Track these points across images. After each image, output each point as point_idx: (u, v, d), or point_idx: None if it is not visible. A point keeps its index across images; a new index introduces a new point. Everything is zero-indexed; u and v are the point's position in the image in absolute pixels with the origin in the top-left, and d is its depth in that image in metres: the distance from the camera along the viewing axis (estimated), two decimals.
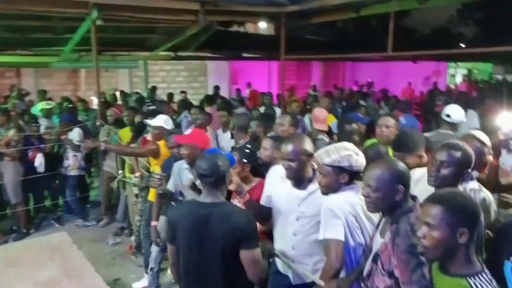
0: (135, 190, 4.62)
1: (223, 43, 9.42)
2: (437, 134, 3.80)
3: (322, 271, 2.27)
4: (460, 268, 1.55)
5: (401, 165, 1.97)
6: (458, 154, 2.13)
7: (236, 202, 2.72)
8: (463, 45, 16.93)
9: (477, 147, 2.52)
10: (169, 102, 8.70)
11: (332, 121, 5.10)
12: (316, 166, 2.42)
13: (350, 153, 2.29)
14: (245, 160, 2.98)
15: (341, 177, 2.29)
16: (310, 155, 2.49)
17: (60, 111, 7.33)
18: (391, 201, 1.88)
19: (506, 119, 2.82)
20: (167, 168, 3.56)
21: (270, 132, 3.94)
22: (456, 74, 19.39)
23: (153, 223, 3.64)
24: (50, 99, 8.56)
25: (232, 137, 4.98)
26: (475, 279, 1.51)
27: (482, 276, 1.51)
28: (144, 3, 5.50)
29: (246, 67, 13.44)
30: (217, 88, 10.86)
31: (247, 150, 3.05)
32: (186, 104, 7.62)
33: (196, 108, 5.86)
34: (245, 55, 11.37)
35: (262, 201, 2.75)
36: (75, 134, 5.68)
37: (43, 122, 6.26)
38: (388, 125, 3.42)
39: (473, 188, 2.24)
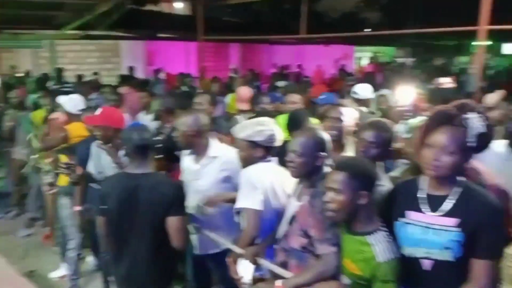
0: (48, 178, 4.35)
1: (137, 22, 9.09)
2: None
3: (240, 238, 2.38)
4: (361, 227, 1.78)
5: (323, 134, 2.14)
6: (384, 134, 2.21)
7: None
8: (369, 30, 18.07)
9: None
10: (79, 84, 8.22)
11: None
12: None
13: (263, 128, 2.41)
14: (160, 156, 3.10)
15: (256, 151, 2.41)
16: (199, 130, 2.67)
17: None
18: (312, 166, 2.04)
19: (404, 93, 3.15)
20: (82, 150, 3.42)
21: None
22: (362, 57, 20.73)
23: (76, 208, 3.50)
24: None
25: (156, 119, 4.87)
26: (374, 236, 1.74)
27: (379, 233, 1.75)
28: None
29: (162, 48, 13.07)
30: (131, 69, 10.46)
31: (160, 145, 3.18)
32: (97, 85, 7.26)
33: (107, 88, 5.60)
34: (161, 35, 11.06)
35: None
36: None
37: None
38: (293, 101, 3.74)
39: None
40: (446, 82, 5.02)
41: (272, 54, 17.17)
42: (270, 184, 2.35)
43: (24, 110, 5.26)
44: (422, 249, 1.71)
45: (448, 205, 1.67)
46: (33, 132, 4.79)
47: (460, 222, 1.63)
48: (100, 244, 3.22)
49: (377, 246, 1.72)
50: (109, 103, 4.89)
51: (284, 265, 2.17)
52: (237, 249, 2.34)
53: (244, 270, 2.28)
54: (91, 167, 3.29)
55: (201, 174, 2.77)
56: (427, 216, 1.70)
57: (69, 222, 3.74)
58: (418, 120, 2.99)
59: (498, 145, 2.78)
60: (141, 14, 9.30)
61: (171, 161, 3.25)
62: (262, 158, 2.43)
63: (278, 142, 2.43)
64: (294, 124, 3.00)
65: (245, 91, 4.60)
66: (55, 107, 4.51)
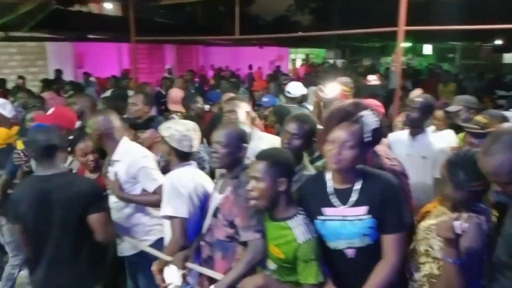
0: None
1: (64, 23, 8.67)
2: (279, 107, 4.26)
3: (168, 247, 2.38)
4: (282, 213, 1.89)
5: (245, 127, 2.25)
6: (306, 126, 2.31)
7: None
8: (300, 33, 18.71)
9: None
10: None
11: None
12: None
13: (175, 133, 2.39)
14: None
15: (173, 155, 2.44)
16: (106, 131, 2.68)
17: None
18: (235, 157, 2.13)
19: (331, 88, 3.36)
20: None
21: (123, 113, 3.89)
22: (296, 59, 21.42)
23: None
24: None
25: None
26: (293, 220, 1.86)
27: (298, 217, 1.87)
28: None
29: (93, 50, 12.54)
30: (59, 72, 9.95)
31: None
32: (18, 90, 6.83)
33: (24, 92, 5.28)
34: (91, 36, 10.62)
35: None
36: None
37: None
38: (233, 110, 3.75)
39: None
40: (373, 79, 5.44)
41: (208, 56, 17.18)
42: (193, 187, 2.36)
43: None
44: (344, 241, 1.84)
45: (354, 196, 1.82)
46: None
47: (369, 209, 1.79)
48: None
49: (297, 228, 1.83)
50: (30, 110, 4.64)
51: (209, 259, 2.22)
52: (165, 257, 2.32)
53: (173, 276, 2.26)
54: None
55: (111, 175, 2.74)
56: (340, 210, 1.83)
57: (8, 239, 3.52)
58: None
59: (402, 134, 3.13)
60: (69, 14, 8.86)
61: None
62: (182, 161, 2.44)
63: (192, 149, 2.44)
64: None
65: (176, 93, 4.63)
66: None
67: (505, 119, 2.58)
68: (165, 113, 5.32)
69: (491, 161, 1.53)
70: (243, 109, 2.98)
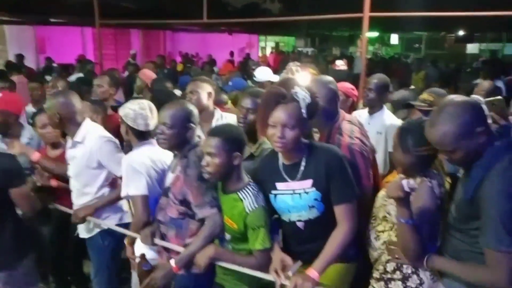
0: None
1: (25, 5, 8.28)
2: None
3: (132, 225, 2.42)
4: (234, 185, 1.99)
5: (191, 106, 2.24)
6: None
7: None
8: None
9: None
10: None
11: None
12: None
13: (130, 112, 2.40)
14: None
15: (131, 134, 2.45)
16: (68, 111, 2.63)
17: None
18: (182, 138, 2.14)
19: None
20: None
21: (88, 97, 3.80)
22: (266, 47, 21.37)
23: None
24: None
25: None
26: (243, 191, 1.96)
27: (247, 188, 1.97)
28: None
29: (56, 34, 12.10)
30: (20, 57, 9.55)
31: None
32: None
33: None
34: (53, 20, 10.23)
35: None
36: None
37: None
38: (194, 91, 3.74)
39: None
40: (341, 64, 5.61)
41: (176, 42, 16.92)
42: (151, 165, 2.38)
43: None
44: (295, 214, 1.95)
45: (301, 170, 1.91)
46: None
47: (313, 182, 1.88)
48: None
49: (246, 199, 1.93)
50: None
51: (163, 237, 2.25)
52: (132, 234, 2.36)
53: (141, 250, 2.30)
54: None
55: (71, 158, 2.71)
56: (290, 184, 1.93)
57: None
58: None
59: (363, 112, 3.37)
60: None
61: None
62: (141, 140, 2.45)
63: (151, 126, 2.44)
64: None
65: (148, 73, 4.58)
66: None
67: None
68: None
69: (436, 131, 1.61)
70: (205, 90, 2.95)
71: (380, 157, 2.97)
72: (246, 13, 5.35)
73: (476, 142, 1.58)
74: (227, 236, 2.06)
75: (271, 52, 18.79)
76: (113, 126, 3.12)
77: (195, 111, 2.22)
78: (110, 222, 2.70)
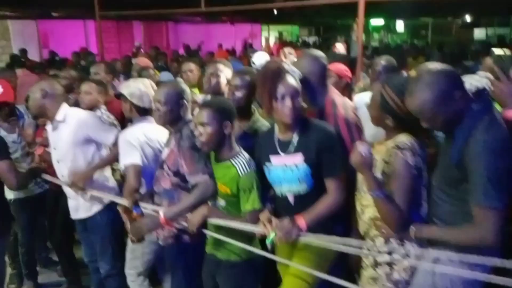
0: None
1: (27, 0, 8.33)
2: None
3: (124, 192, 2.51)
4: (226, 154, 2.09)
5: (184, 85, 2.38)
6: (247, 77, 2.43)
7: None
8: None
9: None
10: None
11: None
12: None
13: (135, 91, 2.56)
14: None
15: (132, 110, 2.60)
16: (48, 94, 2.68)
17: None
18: (176, 114, 2.27)
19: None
20: None
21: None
22: (269, 36, 21.27)
23: None
24: None
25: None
26: (235, 158, 2.06)
27: (240, 156, 2.07)
28: None
29: (59, 28, 12.17)
30: (23, 51, 9.64)
31: None
32: None
33: None
34: (55, 14, 10.27)
35: None
36: None
37: None
38: (191, 69, 3.82)
39: None
40: (340, 48, 5.65)
41: (179, 34, 16.88)
42: (145, 140, 2.50)
43: None
44: (286, 186, 2.03)
45: (293, 145, 1.98)
46: None
47: (304, 156, 1.95)
48: None
49: (238, 164, 2.05)
50: None
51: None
52: (124, 201, 2.44)
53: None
54: None
55: (55, 141, 2.75)
56: (282, 157, 2.01)
57: None
58: None
59: (366, 96, 3.19)
60: None
61: None
62: (142, 116, 2.59)
63: (150, 104, 2.55)
64: None
65: (145, 61, 4.63)
66: None
67: None
68: None
69: (415, 100, 1.65)
70: (226, 75, 2.92)
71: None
72: (246, 1, 5.32)
73: (455, 107, 1.61)
74: (222, 202, 2.16)
75: (275, 43, 18.68)
76: (116, 111, 3.27)
77: (187, 89, 2.36)
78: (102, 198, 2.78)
